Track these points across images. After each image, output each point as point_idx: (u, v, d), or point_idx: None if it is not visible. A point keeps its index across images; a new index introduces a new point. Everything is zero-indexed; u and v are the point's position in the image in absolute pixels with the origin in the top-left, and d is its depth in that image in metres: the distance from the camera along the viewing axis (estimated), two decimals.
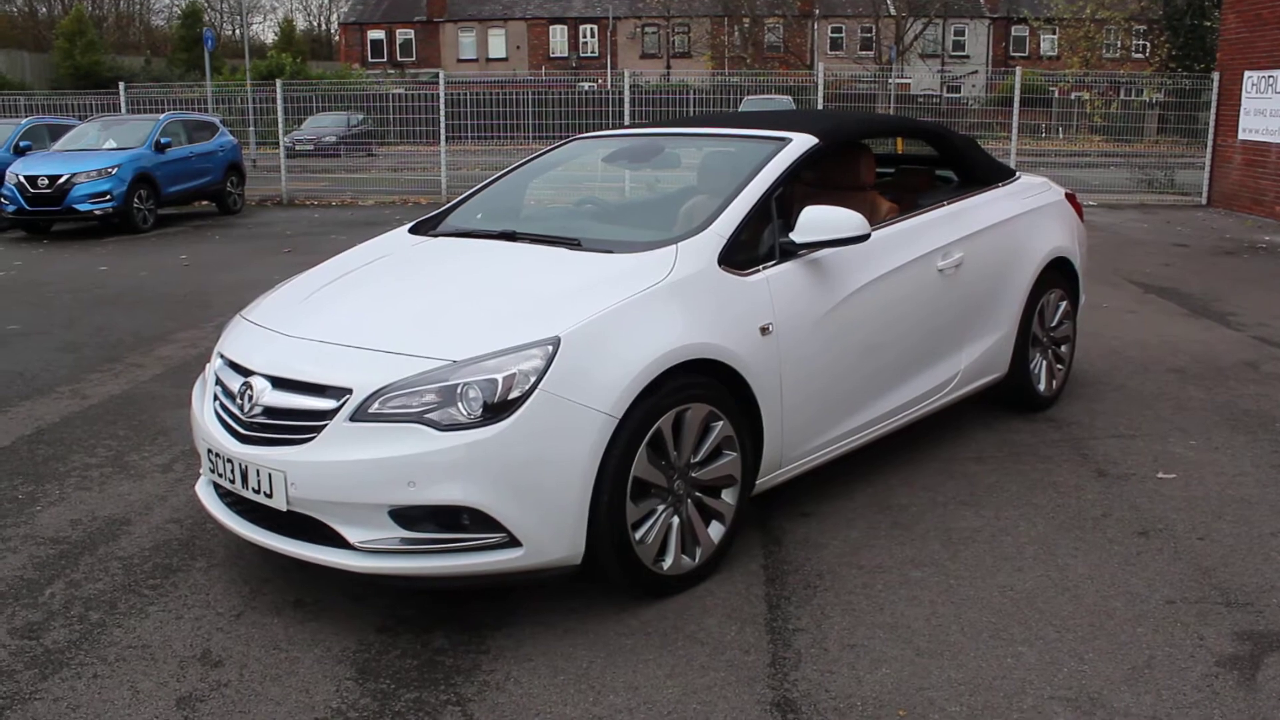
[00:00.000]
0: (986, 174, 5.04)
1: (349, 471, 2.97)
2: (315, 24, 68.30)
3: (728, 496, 3.48)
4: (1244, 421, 5.06)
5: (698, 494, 3.39)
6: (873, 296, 4.01)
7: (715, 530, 3.46)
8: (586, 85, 46.88)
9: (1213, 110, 14.80)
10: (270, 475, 3.10)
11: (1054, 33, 45.77)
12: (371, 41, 50.70)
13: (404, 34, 50.76)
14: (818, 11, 49.35)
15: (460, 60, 49.31)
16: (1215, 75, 14.96)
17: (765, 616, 3.23)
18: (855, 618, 3.21)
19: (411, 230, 4.41)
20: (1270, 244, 11.01)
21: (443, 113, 17.36)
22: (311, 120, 22.59)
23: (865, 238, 3.75)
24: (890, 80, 39.92)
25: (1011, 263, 4.84)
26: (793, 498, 4.05)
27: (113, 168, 13.12)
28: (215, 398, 3.47)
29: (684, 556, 3.35)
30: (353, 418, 3.01)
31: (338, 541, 3.07)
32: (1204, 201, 14.71)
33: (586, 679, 2.89)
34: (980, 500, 4.13)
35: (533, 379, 2.98)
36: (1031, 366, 5.07)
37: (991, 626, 3.15)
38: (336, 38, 56.49)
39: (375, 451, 2.96)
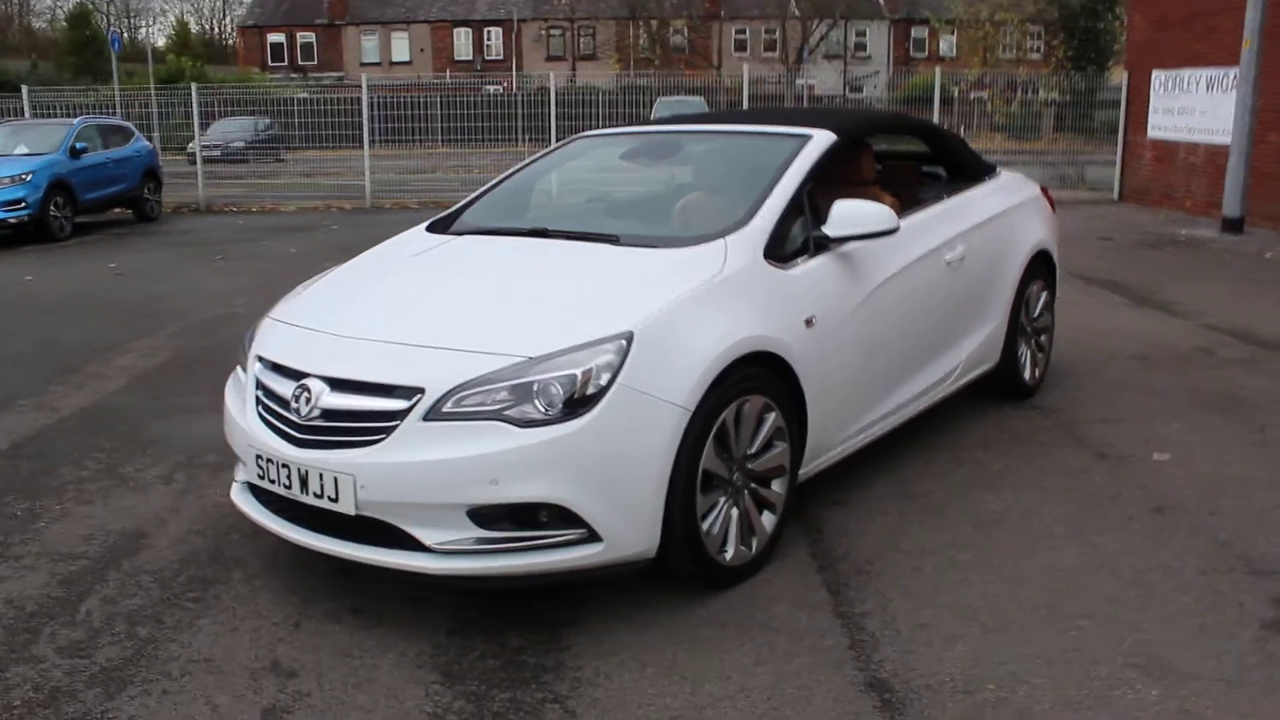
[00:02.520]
0: (974, 170, 5.22)
1: (425, 472, 2.94)
2: (208, 27, 66.31)
3: (777, 486, 3.54)
4: (1216, 403, 5.32)
5: (753, 485, 3.43)
6: (895, 288, 4.12)
7: (768, 520, 3.51)
8: (491, 88, 46.59)
9: (1122, 109, 15.47)
10: (336, 479, 3.04)
11: (953, 34, 47.16)
12: (271, 45, 49.47)
13: (305, 37, 49.67)
14: (723, 14, 49.91)
15: (363, 64, 48.41)
16: (1124, 75, 15.64)
17: (829, 602, 3.29)
18: (916, 599, 3.29)
19: (430, 229, 4.36)
20: (1188, 237, 11.56)
21: (366, 116, 17.06)
22: (218, 125, 21.96)
23: (895, 231, 3.85)
24: (798, 81, 40.71)
25: (1003, 255, 5.02)
26: (821, 488, 4.13)
27: (26, 174, 12.57)
28: (258, 401, 3.38)
29: (742, 547, 3.39)
30: (426, 417, 2.97)
31: (409, 544, 3.03)
32: (1116, 197, 15.35)
33: (676, 670, 2.91)
34: (996, 484, 4.27)
35: (609, 374, 2.99)
36: (1019, 356, 5.25)
37: (1046, 603, 3.27)
38: (231, 41, 55.00)
39: (453, 451, 2.93)
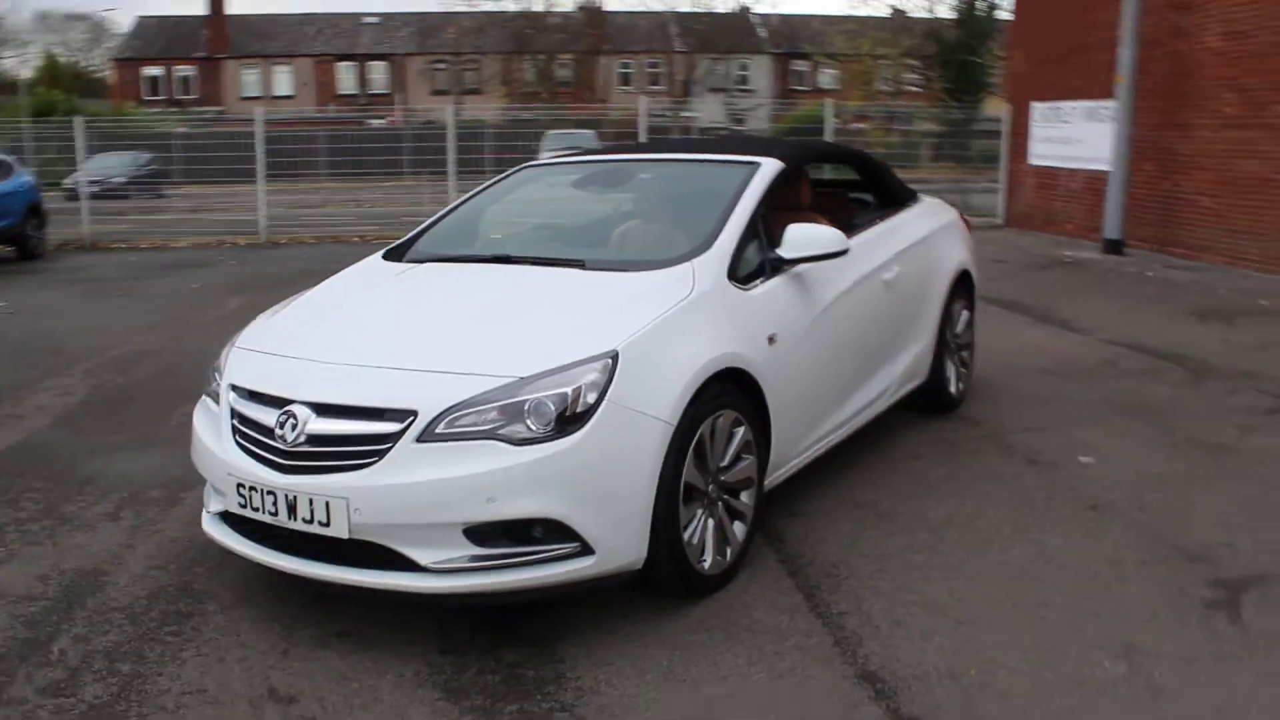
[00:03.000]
0: (899, 196, 5.49)
1: (422, 492, 2.98)
2: (77, 60, 63.95)
3: (746, 497, 3.68)
4: (1129, 411, 5.69)
5: (725, 496, 3.57)
6: (843, 307, 4.33)
7: (739, 529, 3.64)
8: (376, 122, 46.18)
9: (1005, 138, 16.28)
10: (328, 503, 3.05)
11: (834, 68, 48.76)
12: (148, 78, 48.04)
13: (183, 70, 48.39)
14: (607, 47, 50.52)
15: (244, 98, 47.44)
16: (1006, 107, 16.48)
17: (805, 605, 3.44)
18: (886, 599, 3.46)
19: (386, 257, 4.39)
20: (1074, 258, 12.22)
21: (261, 151, 16.75)
22: (97, 160, 21.24)
23: (846, 252, 4.06)
24: (683, 114, 41.48)
25: (930, 276, 5.29)
26: (778, 501, 4.28)
27: None
28: (235, 430, 3.37)
29: (718, 556, 3.51)
30: (420, 439, 3.02)
31: (401, 565, 3.07)
32: (1001, 222, 16.10)
33: (674, 675, 3.01)
34: (937, 491, 4.50)
35: (596, 392, 3.08)
36: (945, 370, 5.53)
37: (1007, 596, 3.48)
38: (104, 74, 53.18)
39: (449, 470, 2.98)
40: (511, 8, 46.31)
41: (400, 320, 3.66)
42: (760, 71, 52.52)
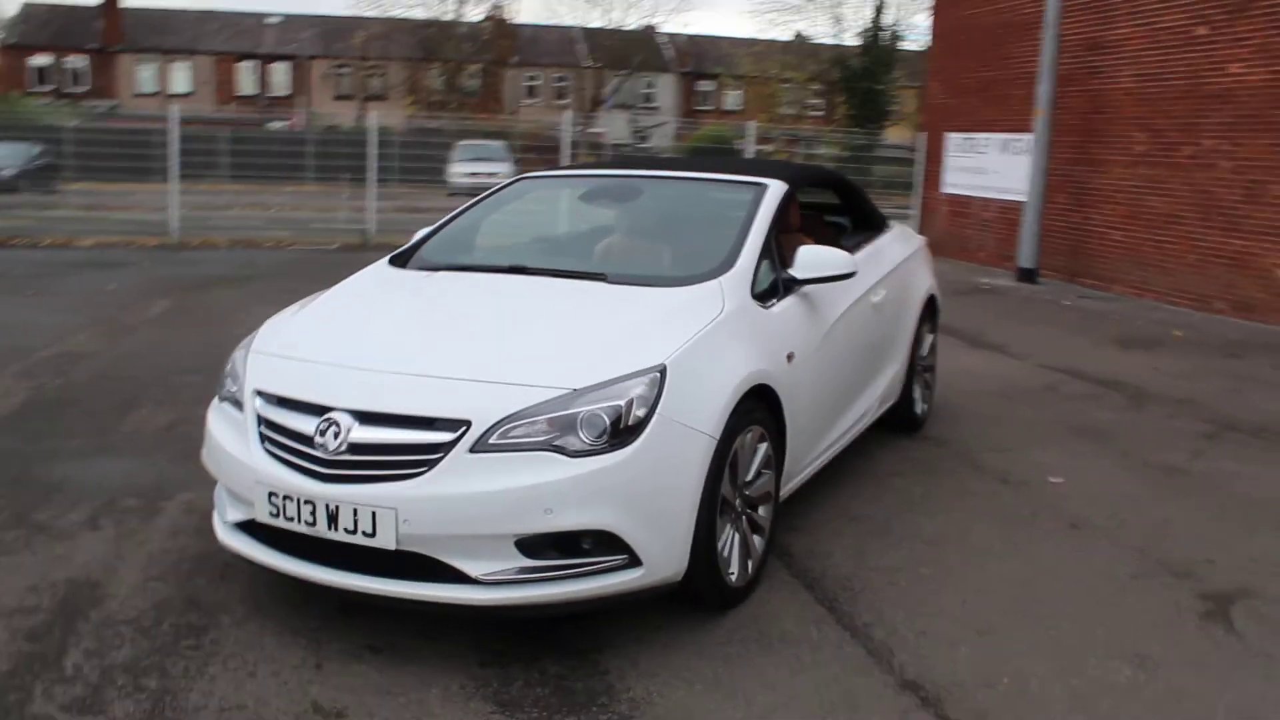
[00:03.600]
0: (875, 221, 5.66)
1: (476, 503, 2.97)
2: None
3: (764, 511, 3.75)
4: (1082, 433, 5.96)
5: (749, 510, 3.63)
6: (842, 327, 4.45)
7: (758, 543, 3.71)
8: (276, 124, 45.08)
9: (920, 166, 16.84)
10: (374, 514, 3.01)
11: (739, 89, 49.66)
12: (35, 68, 45.90)
13: (75, 61, 46.38)
14: (515, 60, 50.40)
15: (138, 95, 45.79)
16: (922, 135, 17.07)
17: (829, 616, 3.52)
18: (906, 610, 3.57)
19: (393, 263, 4.35)
20: (991, 285, 12.69)
21: (175, 149, 16.22)
22: None
23: (854, 274, 4.18)
24: (589, 130, 41.63)
25: (907, 300, 5.48)
26: (777, 515, 4.35)
27: None
28: (262, 438, 3.29)
29: (742, 569, 3.57)
30: (474, 449, 3.00)
31: (446, 577, 3.04)
32: None
33: (721, 685, 3.05)
34: (924, 508, 4.64)
35: (646, 405, 3.12)
36: (914, 391, 5.71)
37: (1016, 608, 3.63)
38: None
39: (505, 481, 2.97)
40: (421, 15, 45.86)
41: (434, 328, 3.63)
42: (666, 90, 53.06)
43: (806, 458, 4.20)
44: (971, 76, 15.57)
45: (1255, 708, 3.00)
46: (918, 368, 5.76)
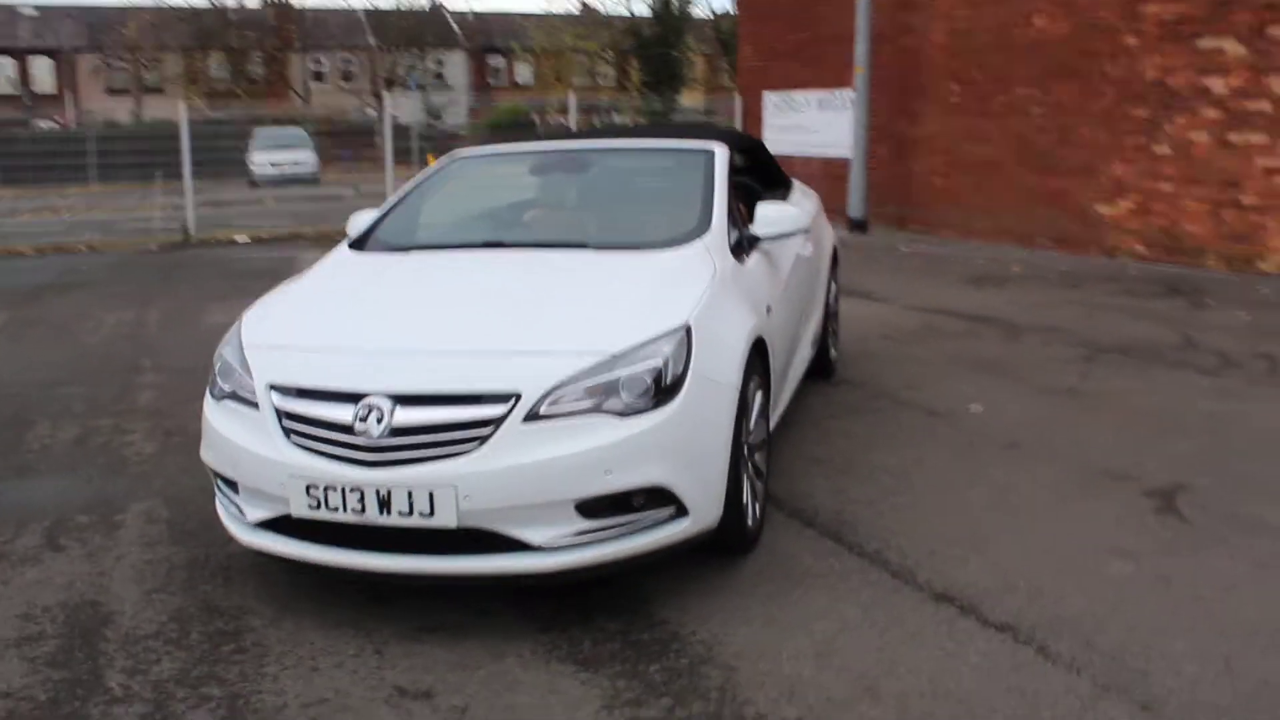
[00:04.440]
0: (784, 179, 5.93)
1: (536, 471, 3.02)
2: None
3: (759, 457, 3.94)
4: (979, 365, 6.45)
5: (753, 457, 3.82)
6: (792, 280, 4.70)
7: (759, 488, 3.90)
8: (44, 124, 41.75)
9: (739, 127, 17.42)
10: (432, 494, 3.02)
11: (529, 62, 49.53)
12: None
13: None
14: (299, 44, 48.45)
15: None
16: (737, 97, 17.65)
17: (841, 549, 3.76)
18: (904, 535, 3.85)
19: (355, 248, 4.29)
20: None
21: None
22: None
23: (808, 230, 4.42)
24: (386, 112, 40.64)
25: (821, 252, 5.78)
26: None
27: None
28: (287, 431, 3.22)
29: (754, 513, 3.76)
30: (526, 419, 3.05)
31: (504, 548, 3.09)
32: None
33: (776, 620, 3.24)
34: (874, 445, 4.95)
35: (681, 362, 3.25)
36: (828, 338, 6.04)
37: (999, 523, 3.97)
38: None
39: (563, 448, 3.04)
40: (197, 1, 43.44)
41: (444, 305, 3.62)
42: (457, 68, 52.29)
43: (780, 404, 4.42)
44: (784, 39, 16.20)
45: (1231, 582, 3.43)
46: (830, 315, 6.08)
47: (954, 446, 4.90)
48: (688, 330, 3.32)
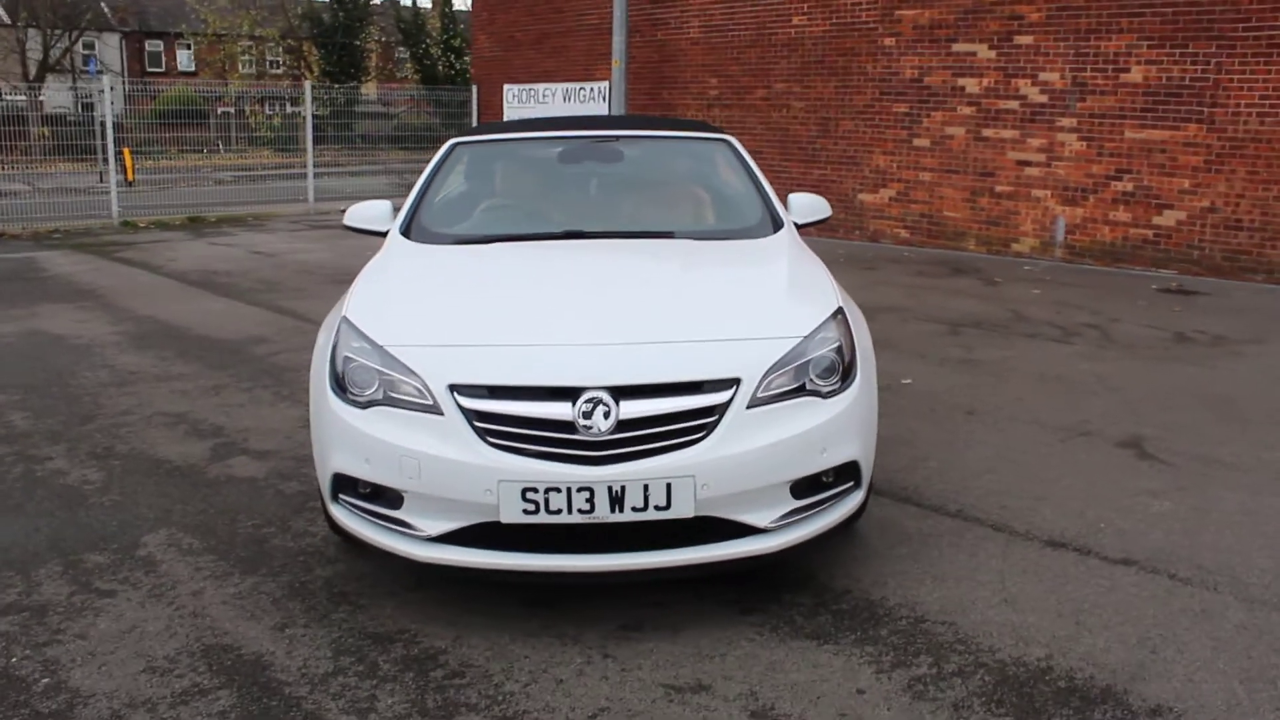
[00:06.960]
0: None
1: (765, 455, 3.09)
2: None
3: None
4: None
5: None
6: None
7: None
8: None
9: (474, 118, 17.35)
10: (669, 485, 3.00)
11: (189, 48, 45.85)
12: None
13: None
14: None
15: None
16: (473, 88, 17.54)
17: (923, 512, 4.10)
18: (969, 497, 4.25)
19: (414, 241, 4.08)
20: None
21: None
22: None
23: (829, 217, 4.70)
24: (39, 98, 35.95)
25: None
26: None
27: None
28: (483, 434, 3.04)
29: None
30: (750, 405, 3.10)
31: (726, 534, 3.13)
32: None
33: (947, 579, 3.52)
34: None
35: (850, 342, 3.43)
36: None
37: (1030, 476, 4.47)
38: None
39: (784, 430, 3.13)
40: None
41: (596, 296, 3.51)
42: (110, 51, 47.36)
43: None
44: (524, 30, 16.34)
45: (1247, 508, 4.12)
46: None
47: (924, 415, 5.39)
48: (840, 312, 3.51)
